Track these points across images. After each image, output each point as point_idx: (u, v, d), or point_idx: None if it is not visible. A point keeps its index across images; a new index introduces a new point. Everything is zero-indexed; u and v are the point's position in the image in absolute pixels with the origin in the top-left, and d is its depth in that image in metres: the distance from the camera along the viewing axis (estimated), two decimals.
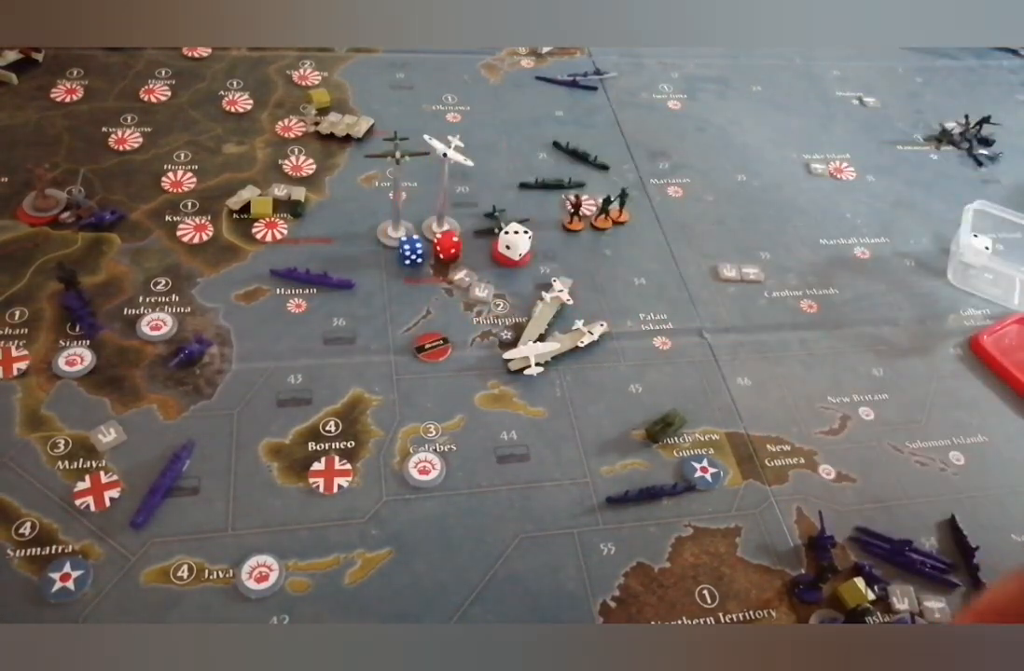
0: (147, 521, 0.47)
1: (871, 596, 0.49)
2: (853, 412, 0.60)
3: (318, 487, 0.50)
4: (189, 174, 0.67)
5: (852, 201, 0.76)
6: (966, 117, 0.85)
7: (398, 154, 0.59)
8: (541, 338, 0.60)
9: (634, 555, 0.50)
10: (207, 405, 0.53)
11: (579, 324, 0.61)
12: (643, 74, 0.86)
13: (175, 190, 0.66)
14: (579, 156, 0.75)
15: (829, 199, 0.76)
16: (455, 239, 0.64)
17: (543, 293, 0.62)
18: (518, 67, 0.84)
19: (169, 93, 0.74)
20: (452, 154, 0.59)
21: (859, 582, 0.49)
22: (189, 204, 0.65)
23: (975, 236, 0.70)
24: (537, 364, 0.58)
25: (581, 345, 0.60)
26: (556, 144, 0.76)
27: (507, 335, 0.60)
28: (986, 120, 0.85)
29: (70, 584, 0.44)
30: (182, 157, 0.69)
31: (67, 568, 0.45)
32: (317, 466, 0.51)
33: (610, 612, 0.47)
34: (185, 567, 0.46)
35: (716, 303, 0.65)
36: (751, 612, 0.48)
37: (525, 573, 0.48)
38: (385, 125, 0.73)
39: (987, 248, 0.69)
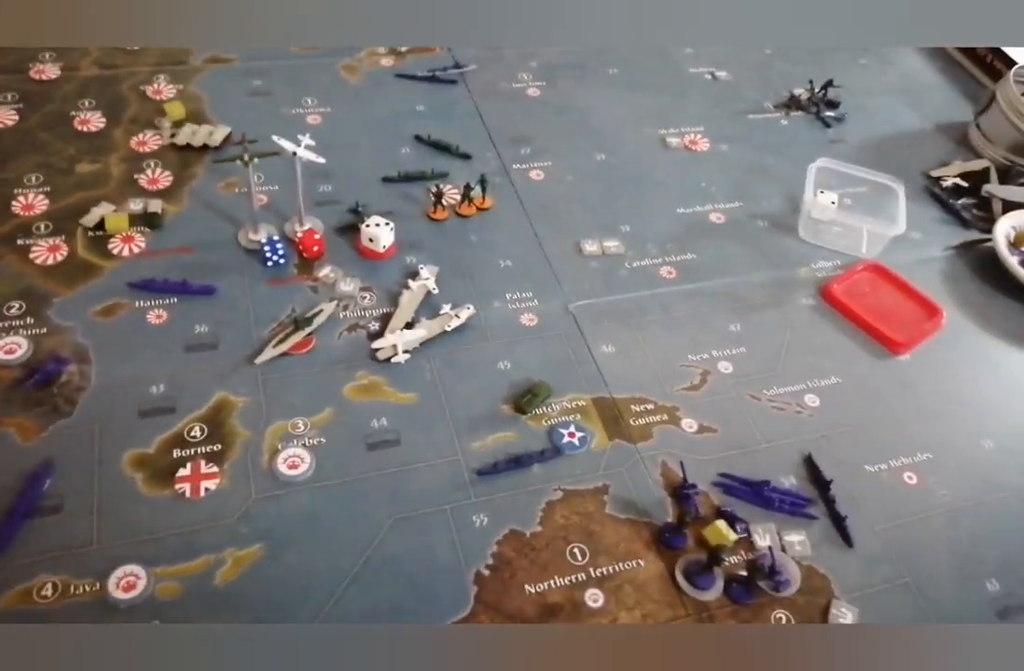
0: (7, 546, 0.46)
1: (734, 536, 0.51)
2: (712, 367, 0.62)
3: (184, 492, 0.50)
4: (41, 196, 0.66)
5: (707, 170, 0.80)
6: (811, 82, 0.90)
7: (246, 156, 0.59)
8: (409, 326, 0.61)
9: (506, 523, 0.51)
10: (67, 423, 0.52)
11: (447, 309, 0.62)
12: (502, 64, 0.88)
13: (27, 213, 0.65)
14: (441, 147, 0.77)
15: (685, 170, 0.79)
16: (317, 237, 0.64)
17: (409, 281, 0.64)
18: (378, 66, 0.85)
19: (16, 117, 0.73)
20: (302, 152, 0.60)
21: (720, 524, 0.51)
22: (42, 226, 0.64)
23: (821, 192, 0.74)
24: (404, 351, 0.59)
25: (449, 329, 0.61)
26: (418, 137, 0.77)
27: (375, 326, 0.61)
28: (830, 84, 0.89)
29: None
30: (33, 180, 0.68)
31: None
32: (183, 472, 0.51)
33: (484, 580, 0.49)
34: (49, 585, 0.45)
35: (580, 278, 0.67)
36: (620, 564, 0.50)
37: (400, 553, 0.49)
38: (244, 132, 0.73)
39: (833, 203, 0.73)
